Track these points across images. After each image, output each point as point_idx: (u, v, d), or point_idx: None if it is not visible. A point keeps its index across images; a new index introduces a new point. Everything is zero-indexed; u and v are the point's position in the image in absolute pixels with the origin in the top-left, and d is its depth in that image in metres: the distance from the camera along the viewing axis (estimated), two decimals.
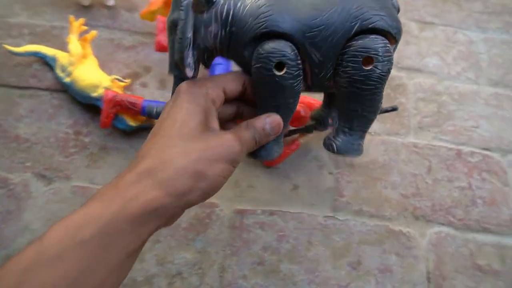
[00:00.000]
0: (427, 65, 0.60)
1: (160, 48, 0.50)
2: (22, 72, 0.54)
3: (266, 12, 0.28)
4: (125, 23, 0.60)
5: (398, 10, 0.32)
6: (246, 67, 0.31)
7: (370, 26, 0.28)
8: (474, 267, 0.45)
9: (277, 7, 0.28)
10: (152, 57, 0.56)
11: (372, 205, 0.48)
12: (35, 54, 0.53)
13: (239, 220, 0.46)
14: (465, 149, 0.53)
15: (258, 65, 0.28)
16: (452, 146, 0.53)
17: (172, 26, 0.30)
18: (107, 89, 0.48)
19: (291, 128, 0.48)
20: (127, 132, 0.50)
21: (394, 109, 0.48)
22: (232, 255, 0.45)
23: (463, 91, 0.58)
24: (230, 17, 0.29)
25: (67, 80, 0.50)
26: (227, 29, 0.29)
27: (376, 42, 0.28)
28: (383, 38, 0.28)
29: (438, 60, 0.61)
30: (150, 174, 0.25)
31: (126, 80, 0.52)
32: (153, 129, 0.29)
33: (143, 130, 0.51)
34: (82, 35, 0.52)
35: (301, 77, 0.29)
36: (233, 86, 0.31)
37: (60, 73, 0.51)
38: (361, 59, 0.28)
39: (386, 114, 0.50)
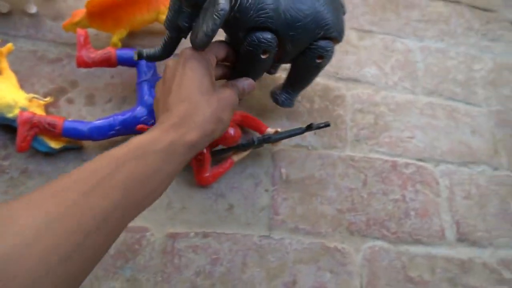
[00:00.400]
0: (365, 75, 0.60)
1: (82, 64, 0.47)
2: None
3: (265, 10, 0.38)
4: (49, 33, 0.56)
5: (345, 13, 0.46)
6: (235, 42, 0.41)
7: (327, 35, 0.43)
8: (406, 279, 0.46)
9: (273, 6, 0.38)
10: (79, 71, 0.53)
11: (308, 222, 0.48)
12: None
13: (171, 245, 0.44)
14: (400, 160, 0.54)
15: (250, 48, 0.40)
16: (388, 158, 0.54)
17: None
18: (22, 110, 0.44)
19: (224, 147, 0.47)
20: (50, 153, 0.47)
21: (326, 125, 0.48)
22: (163, 282, 0.43)
23: (400, 101, 0.59)
24: (237, 4, 0.37)
25: None
26: (232, 13, 0.38)
27: (328, 46, 0.43)
28: (332, 44, 0.44)
29: (376, 70, 0.61)
30: (188, 119, 0.34)
31: (46, 99, 0.48)
32: (169, 85, 0.37)
33: (68, 151, 0.48)
34: None
35: (273, 57, 0.42)
36: (222, 53, 0.41)
37: None
38: (316, 55, 0.43)
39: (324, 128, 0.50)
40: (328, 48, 0.43)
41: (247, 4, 0.38)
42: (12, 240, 0.22)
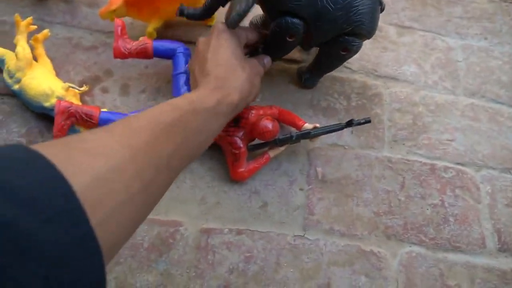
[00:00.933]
0: (404, 73, 0.58)
1: (118, 55, 0.46)
2: None
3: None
4: (84, 20, 0.55)
5: (383, 9, 0.46)
6: (269, 18, 0.44)
7: (356, 31, 0.43)
8: None
9: None
10: (115, 60, 0.52)
11: (344, 223, 0.46)
12: None
13: (205, 240, 0.44)
14: (439, 164, 0.52)
15: (278, 29, 0.43)
16: (427, 160, 0.52)
17: None
18: (59, 99, 0.44)
19: (260, 142, 0.45)
20: None
21: (367, 121, 0.46)
22: (197, 278, 0.42)
23: (440, 102, 0.57)
24: None
25: (15, 87, 0.45)
26: None
27: (354, 41, 0.44)
28: (360, 40, 0.45)
29: (415, 68, 0.59)
30: (227, 82, 0.38)
31: (82, 88, 0.48)
32: (204, 55, 0.40)
33: None
34: (33, 34, 0.47)
35: (300, 42, 0.45)
36: (252, 36, 0.45)
37: (8, 79, 0.46)
38: (342, 47, 0.45)
39: (360, 126, 0.48)
40: (354, 44, 0.44)
41: None
42: (104, 162, 0.23)
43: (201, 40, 0.43)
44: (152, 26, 0.52)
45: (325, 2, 0.41)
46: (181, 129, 0.31)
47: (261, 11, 0.46)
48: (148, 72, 0.52)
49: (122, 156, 0.25)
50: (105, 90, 0.51)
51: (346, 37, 0.44)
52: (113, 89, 0.51)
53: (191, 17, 0.45)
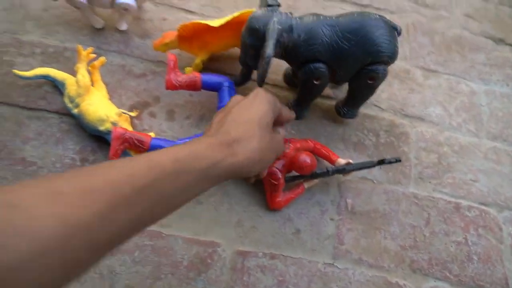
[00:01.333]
0: (430, 114, 0.62)
1: (170, 87, 0.50)
2: (31, 93, 0.54)
3: (315, 45, 0.45)
4: (136, 49, 0.60)
5: (400, 33, 0.48)
6: (295, 69, 0.50)
7: (377, 60, 0.46)
8: None
9: (322, 41, 0.45)
10: (162, 87, 0.57)
11: (372, 255, 0.49)
12: (45, 77, 0.53)
13: (241, 262, 0.46)
14: (464, 202, 0.54)
15: (305, 76, 0.48)
16: (451, 199, 0.54)
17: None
18: (115, 125, 0.48)
19: (297, 174, 0.49)
20: None
21: (397, 160, 0.49)
22: None
23: (464, 143, 0.60)
24: (291, 43, 0.46)
25: (75, 111, 0.50)
26: (287, 48, 0.46)
27: (378, 69, 0.47)
28: (384, 66, 0.47)
29: (440, 110, 0.62)
30: (239, 143, 0.34)
31: (133, 113, 0.52)
32: (233, 109, 0.37)
33: None
34: (91, 61, 0.52)
35: (328, 81, 0.49)
36: (285, 113, 0.42)
37: (68, 104, 0.51)
38: (368, 77, 0.48)
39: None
40: (379, 71, 0.47)
41: (300, 41, 0.45)
42: (25, 246, 0.19)
43: (235, 96, 0.40)
44: (199, 58, 0.56)
45: (340, 42, 0.45)
46: (151, 195, 0.26)
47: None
48: (193, 100, 0.57)
49: (53, 237, 0.20)
50: (152, 115, 0.55)
51: (369, 67, 0.47)
52: (160, 114, 0.55)
53: (236, 84, 0.53)
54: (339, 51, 0.45)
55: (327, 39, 0.45)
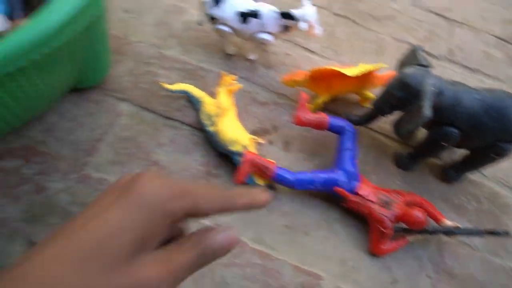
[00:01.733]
0: None
1: (299, 123, 0.54)
2: (169, 103, 0.60)
3: (460, 113, 0.48)
4: (260, 78, 0.65)
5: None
6: (429, 125, 0.52)
7: (510, 139, 0.49)
8: None
9: (466, 110, 0.48)
10: (281, 118, 0.61)
11: None
12: (184, 93, 0.59)
13: None
14: None
15: (437, 137, 0.52)
16: None
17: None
18: (246, 149, 0.53)
19: (408, 228, 0.51)
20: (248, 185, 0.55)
21: (505, 233, 0.50)
22: None
23: None
24: (437, 106, 0.48)
25: (210, 128, 0.55)
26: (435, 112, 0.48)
27: (508, 148, 0.50)
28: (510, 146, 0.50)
29: None
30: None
31: (261, 140, 0.57)
32: (87, 208, 0.22)
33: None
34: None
35: (453, 146, 0.52)
36: (210, 205, 0.24)
37: (205, 120, 0.56)
38: (494, 151, 0.50)
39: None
40: (507, 149, 0.50)
41: (447, 105, 0.49)
42: None
43: (124, 176, 0.24)
44: (322, 99, 0.61)
45: (482, 116, 0.48)
46: None
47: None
48: (307, 135, 0.61)
49: None
50: (271, 142, 0.59)
51: (499, 143, 0.50)
52: (277, 143, 0.60)
53: (352, 121, 0.56)
54: (479, 124, 0.48)
55: (472, 110, 0.48)
